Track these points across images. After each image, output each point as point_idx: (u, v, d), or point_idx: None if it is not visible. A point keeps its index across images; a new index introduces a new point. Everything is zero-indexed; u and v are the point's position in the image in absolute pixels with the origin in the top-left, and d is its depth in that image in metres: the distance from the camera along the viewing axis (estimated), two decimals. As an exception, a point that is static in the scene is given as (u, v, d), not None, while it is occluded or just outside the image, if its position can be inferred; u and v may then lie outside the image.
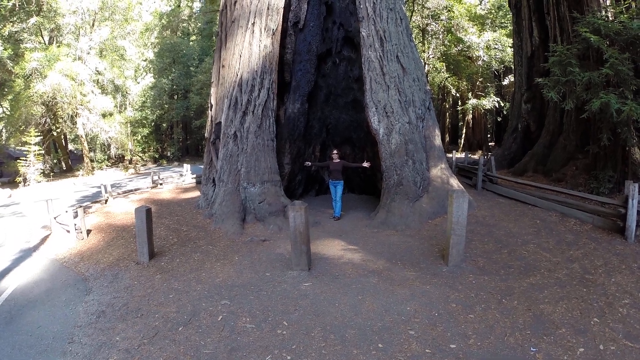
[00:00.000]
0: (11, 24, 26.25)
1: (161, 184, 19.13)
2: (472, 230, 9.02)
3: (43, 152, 29.07)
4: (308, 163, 11.87)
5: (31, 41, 28.04)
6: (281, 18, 11.44)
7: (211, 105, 12.17)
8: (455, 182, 11.05)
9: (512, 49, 28.96)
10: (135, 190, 17.47)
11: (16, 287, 7.38)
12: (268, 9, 11.18)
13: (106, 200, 14.88)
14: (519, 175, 16.19)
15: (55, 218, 11.32)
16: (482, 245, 8.14)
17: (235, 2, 11.78)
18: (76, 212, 10.68)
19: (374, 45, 10.85)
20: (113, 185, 22.16)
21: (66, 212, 10.84)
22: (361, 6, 11.07)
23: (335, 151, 11.34)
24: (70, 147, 41.53)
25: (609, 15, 13.01)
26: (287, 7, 12.16)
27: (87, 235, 10.38)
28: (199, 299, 6.15)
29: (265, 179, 10.54)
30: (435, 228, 9.46)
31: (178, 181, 20.56)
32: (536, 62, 19.32)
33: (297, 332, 5.00)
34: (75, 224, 10.41)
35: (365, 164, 10.99)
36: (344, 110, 14.22)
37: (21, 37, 27.85)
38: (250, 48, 11.08)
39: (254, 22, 11.15)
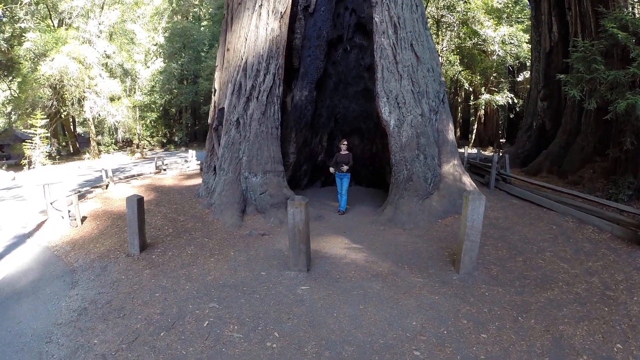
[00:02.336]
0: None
1: (165, 170, 18.65)
2: (484, 234, 8.36)
3: (49, 134, 28.69)
4: (332, 169, 10.76)
5: (26, 21, 27.37)
6: (290, 0, 10.74)
7: (215, 90, 11.55)
8: (467, 180, 10.39)
9: (529, 45, 28.10)
10: (138, 175, 16.99)
11: (4, 277, 6.92)
12: (277, -10, 10.51)
13: (107, 186, 14.40)
14: (533, 175, 15.49)
15: (52, 203, 10.83)
16: (496, 251, 7.49)
17: (243, -17, 11.12)
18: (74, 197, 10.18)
19: (387, 32, 10.15)
20: (117, 170, 21.93)
21: (63, 197, 10.35)
22: (375, -10, 10.36)
23: (344, 142, 10.68)
24: (79, 130, 41.20)
25: (636, 12, 12.22)
26: (297, -10, 11.49)
27: (82, 223, 9.88)
28: (186, 299, 5.59)
29: (268, 169, 9.93)
30: (445, 229, 8.82)
31: (182, 167, 20.09)
32: (554, 59, 18.51)
33: (288, 346, 4.41)
34: (69, 211, 9.90)
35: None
36: (354, 100, 13.55)
37: (18, 17, 27.18)
38: (257, 31, 10.41)
39: (261, 4, 10.47)
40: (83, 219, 10.15)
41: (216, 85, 11.47)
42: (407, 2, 10.49)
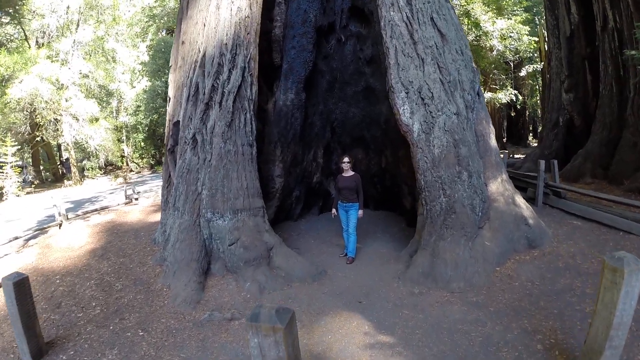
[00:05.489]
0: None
1: (136, 199, 15.17)
2: (570, 288, 5.20)
3: (20, 162, 25.28)
4: (334, 211, 7.51)
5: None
6: (263, -28, 7.44)
7: (169, 99, 8.15)
8: (522, 202, 7.05)
9: (530, 37, 25.02)
10: (102, 209, 13.52)
11: None
12: (243, -43, 7.17)
13: (60, 225, 11.01)
14: (574, 181, 12.18)
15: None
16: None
17: (200, -48, 7.76)
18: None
19: (397, 3, 6.85)
20: (88, 201, 18.60)
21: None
22: (377, -50, 7.06)
23: (346, 159, 7.22)
24: (66, 155, 37.72)
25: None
26: (273, -37, 8.21)
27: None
28: None
29: (239, 207, 6.46)
30: (512, 286, 5.44)
31: (159, 193, 16.66)
32: (577, 44, 15.26)
33: None
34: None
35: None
36: (354, 102, 10.18)
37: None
38: (218, 13, 7.09)
39: (223, -22, 7.16)
40: None
41: (170, 91, 8.08)
42: (419, -35, 7.21)
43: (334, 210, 7.38)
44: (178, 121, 7.37)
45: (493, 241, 6.14)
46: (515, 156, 23.27)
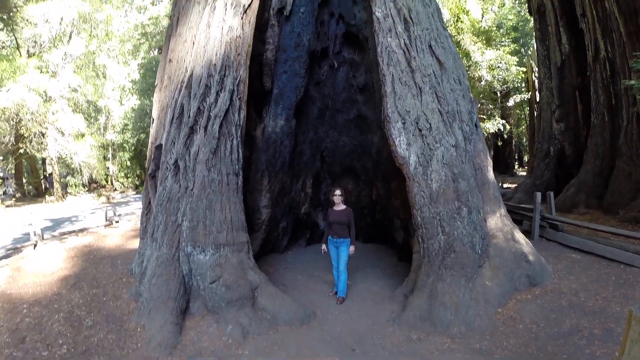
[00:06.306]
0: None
1: (117, 222, 14.49)
2: (577, 330, 4.88)
3: (2, 174, 24.45)
4: (324, 247, 6.92)
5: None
6: (257, -7, 7.10)
7: (152, 121, 7.69)
8: (521, 238, 6.68)
9: (518, 67, 25.24)
10: (80, 231, 12.83)
11: None
12: (237, -24, 6.85)
13: (35, 245, 10.38)
14: (566, 211, 11.90)
15: None
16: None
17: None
18: None
19: (394, 29, 6.56)
20: (68, 220, 17.84)
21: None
22: (374, -24, 6.80)
23: (338, 192, 6.70)
24: (50, 169, 36.76)
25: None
26: (267, -15, 7.92)
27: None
28: None
29: (222, 241, 5.92)
30: (516, 328, 5.03)
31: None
32: (567, 74, 15.29)
33: None
34: None
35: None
36: (345, 131, 9.81)
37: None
38: (208, 31, 6.72)
39: (216, -4, 6.81)
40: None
41: (154, 112, 7.62)
42: (417, -8, 6.98)
43: (324, 246, 6.83)
44: (161, 144, 6.89)
45: (494, 280, 5.72)
46: (504, 185, 23.04)
